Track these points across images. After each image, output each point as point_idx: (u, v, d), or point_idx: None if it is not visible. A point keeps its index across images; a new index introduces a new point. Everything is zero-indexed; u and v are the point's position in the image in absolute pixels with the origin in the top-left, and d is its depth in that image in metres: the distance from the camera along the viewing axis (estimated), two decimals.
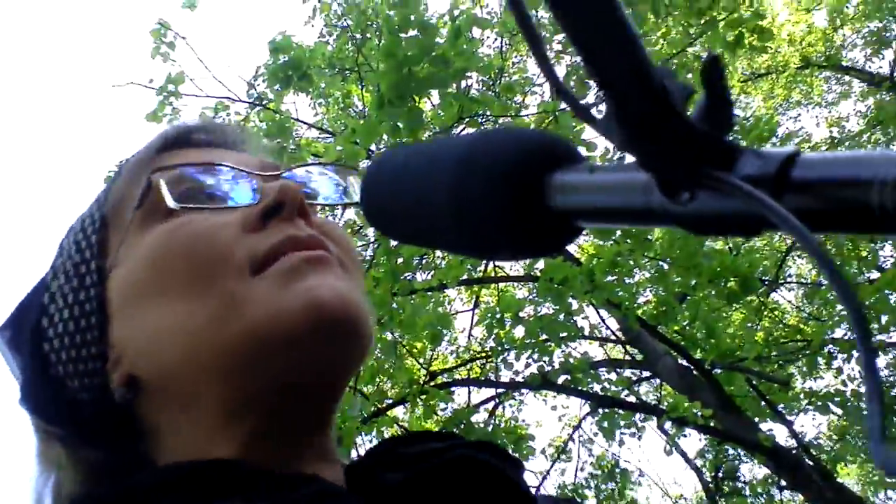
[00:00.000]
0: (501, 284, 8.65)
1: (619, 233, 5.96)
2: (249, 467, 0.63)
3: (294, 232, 0.70)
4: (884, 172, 0.32)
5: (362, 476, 0.69)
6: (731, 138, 0.37)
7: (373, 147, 5.69)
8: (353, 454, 5.60)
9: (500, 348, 7.22)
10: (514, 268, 8.40)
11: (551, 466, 9.21)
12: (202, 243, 0.69)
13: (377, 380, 7.10)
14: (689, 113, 0.37)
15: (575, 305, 6.50)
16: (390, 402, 7.18)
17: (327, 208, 0.87)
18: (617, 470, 9.48)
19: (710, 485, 10.47)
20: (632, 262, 6.47)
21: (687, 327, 7.65)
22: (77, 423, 0.76)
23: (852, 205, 0.33)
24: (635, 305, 6.79)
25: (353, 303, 0.67)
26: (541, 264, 6.20)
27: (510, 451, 0.73)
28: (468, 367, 8.92)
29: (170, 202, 0.72)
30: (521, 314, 6.69)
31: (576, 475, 9.41)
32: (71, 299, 0.75)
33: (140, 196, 0.75)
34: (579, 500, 9.10)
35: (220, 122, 0.79)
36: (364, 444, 6.41)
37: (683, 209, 0.38)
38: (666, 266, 6.44)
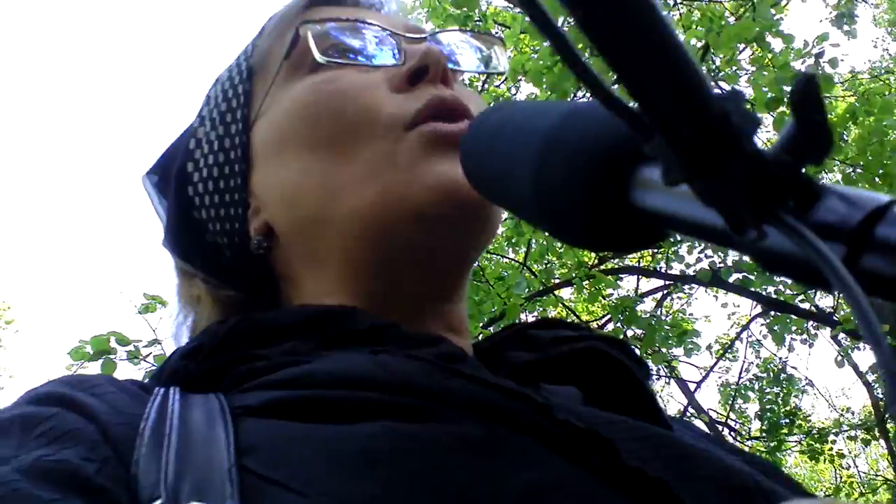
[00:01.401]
0: None
1: None
2: (374, 319, 0.64)
3: (439, 92, 0.70)
4: None
5: (487, 352, 0.69)
6: (815, 175, 0.32)
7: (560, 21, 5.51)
8: None
9: (672, 239, 7.06)
10: None
11: (715, 363, 9.07)
12: (351, 101, 0.70)
13: (546, 259, 7.08)
14: (757, 144, 0.31)
15: None
16: (557, 281, 7.18)
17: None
18: (783, 375, 9.18)
19: (881, 402, 10.05)
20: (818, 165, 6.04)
21: None
22: (215, 265, 0.79)
23: None
24: None
25: None
26: None
27: (639, 354, 0.71)
28: (638, 254, 8.77)
29: (317, 55, 0.72)
30: None
31: (740, 375, 9.23)
32: (217, 146, 0.77)
33: (288, 47, 0.75)
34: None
35: None
36: (528, 320, 6.41)
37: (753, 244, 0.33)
38: (854, 173, 5.98)
